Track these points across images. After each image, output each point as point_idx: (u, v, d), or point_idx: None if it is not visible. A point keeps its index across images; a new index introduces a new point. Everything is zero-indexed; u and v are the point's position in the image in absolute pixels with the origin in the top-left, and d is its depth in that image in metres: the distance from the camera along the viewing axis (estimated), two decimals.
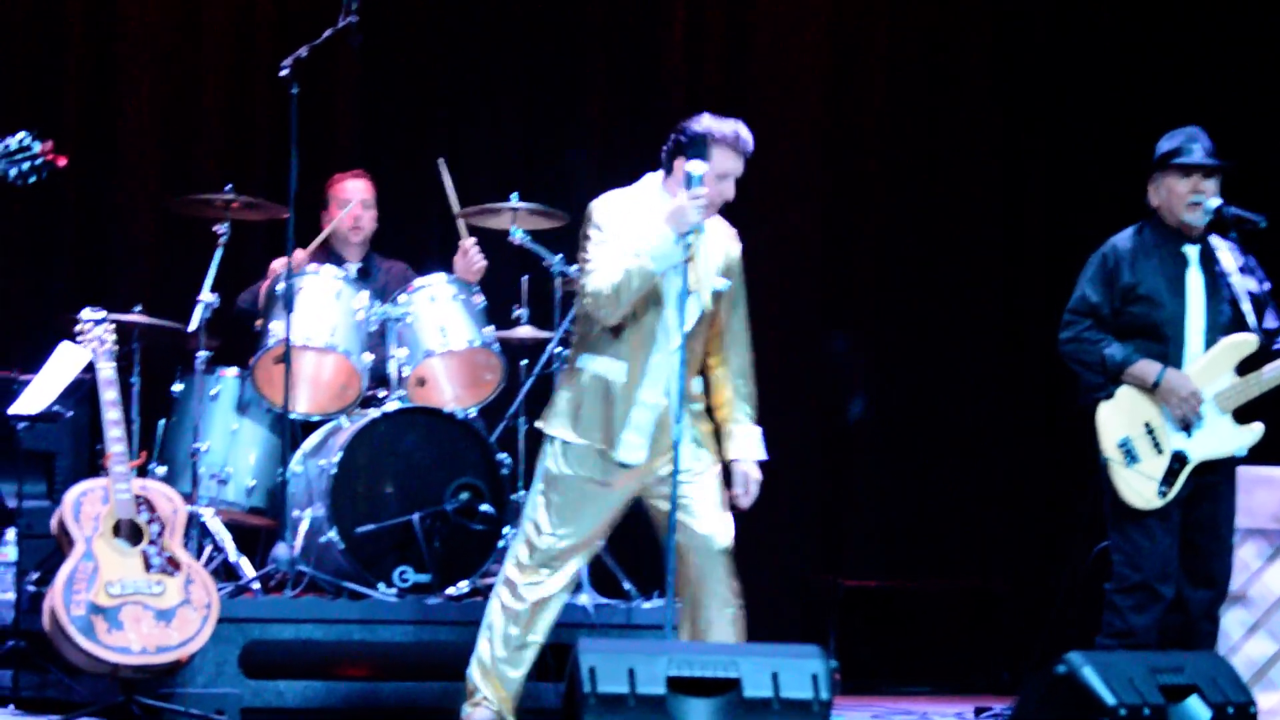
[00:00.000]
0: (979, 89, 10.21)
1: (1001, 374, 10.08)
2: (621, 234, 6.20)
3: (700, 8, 9.96)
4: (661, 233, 6.12)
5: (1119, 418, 6.67)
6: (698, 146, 6.24)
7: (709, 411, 6.41)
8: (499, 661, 6.32)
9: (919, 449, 10.01)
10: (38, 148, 6.29)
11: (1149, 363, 6.65)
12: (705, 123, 6.27)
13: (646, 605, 7.40)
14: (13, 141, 6.29)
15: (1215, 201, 6.70)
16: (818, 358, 9.93)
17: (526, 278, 8.11)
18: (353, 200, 8.23)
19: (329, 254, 8.21)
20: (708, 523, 6.26)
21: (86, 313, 6.98)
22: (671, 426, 6.10)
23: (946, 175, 10.18)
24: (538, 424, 6.37)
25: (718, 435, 6.40)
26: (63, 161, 6.35)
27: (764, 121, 9.87)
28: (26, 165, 6.27)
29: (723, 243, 6.41)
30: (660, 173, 6.36)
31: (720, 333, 6.38)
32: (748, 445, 6.37)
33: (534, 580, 6.29)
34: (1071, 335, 6.78)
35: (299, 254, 7.90)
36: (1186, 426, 6.61)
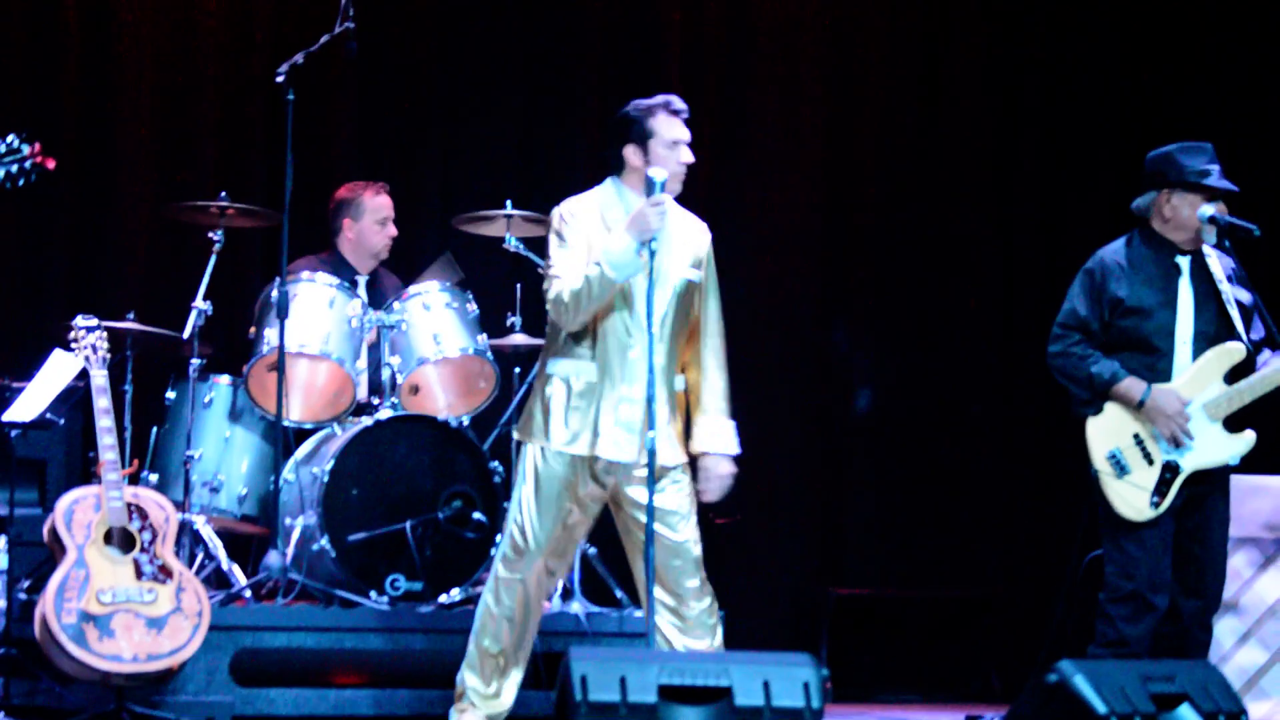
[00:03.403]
0: (977, 85, 10.22)
1: (996, 384, 10.08)
2: (583, 239, 6.21)
3: (698, 8, 9.97)
4: (623, 240, 6.12)
5: (1107, 431, 6.67)
6: (635, 127, 6.26)
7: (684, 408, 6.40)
8: (489, 664, 6.32)
9: (912, 458, 10.01)
10: (27, 150, 6.26)
11: (1135, 381, 6.64)
12: (636, 104, 6.31)
13: (638, 613, 7.40)
14: (1, 144, 6.27)
15: (1209, 209, 6.69)
16: (814, 363, 9.93)
17: (520, 285, 8.11)
18: (389, 216, 8.26)
19: (339, 263, 8.21)
20: (680, 531, 6.26)
21: (79, 320, 6.97)
22: (654, 426, 6.09)
23: (947, 176, 10.17)
24: (515, 434, 6.37)
25: (688, 431, 6.39)
26: (52, 164, 6.32)
27: (763, 120, 9.96)
28: (15, 168, 6.24)
29: (692, 235, 6.40)
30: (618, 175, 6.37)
31: (695, 327, 6.38)
32: (717, 438, 6.35)
33: (521, 582, 6.31)
34: (1060, 350, 6.77)
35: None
36: (1176, 445, 6.61)
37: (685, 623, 6.27)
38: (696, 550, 6.28)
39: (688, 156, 6.27)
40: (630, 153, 6.28)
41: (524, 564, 6.29)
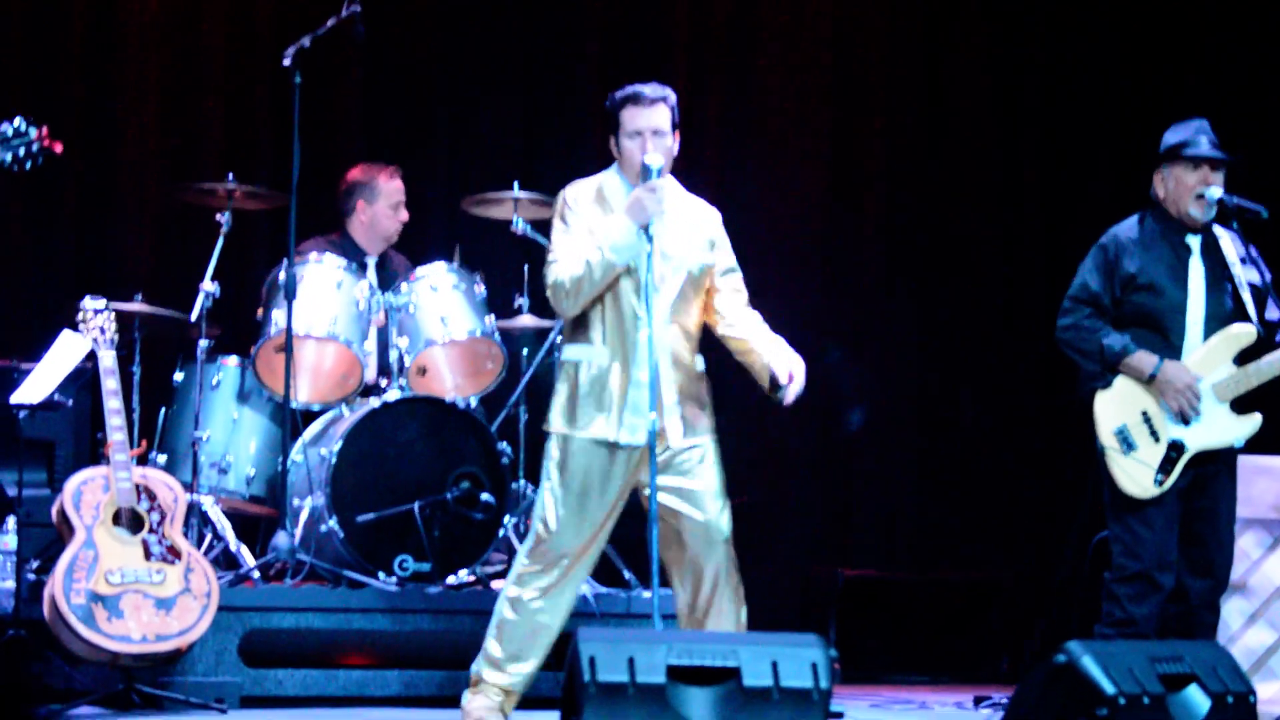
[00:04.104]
0: (978, 86, 10.22)
1: (1001, 365, 10.08)
2: (585, 224, 6.19)
3: (704, 3, 9.97)
4: (622, 224, 6.10)
5: (1116, 406, 6.67)
6: (611, 119, 6.24)
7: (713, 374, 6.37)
8: (507, 657, 6.25)
9: (919, 439, 10.01)
10: (34, 133, 6.27)
11: (1146, 354, 6.64)
12: (611, 95, 6.26)
13: (646, 594, 7.40)
14: (8, 127, 6.26)
15: (1217, 192, 6.69)
16: (819, 349, 9.93)
17: (528, 267, 8.11)
18: (402, 200, 8.26)
19: (348, 245, 8.20)
20: (709, 512, 6.23)
21: (88, 301, 6.98)
22: (662, 408, 6.07)
23: (947, 174, 10.18)
24: (544, 427, 6.32)
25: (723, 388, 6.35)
26: (59, 147, 6.32)
27: (767, 120, 9.96)
28: (22, 150, 6.25)
29: (700, 220, 6.35)
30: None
31: (712, 303, 6.34)
32: (779, 350, 6.24)
33: (544, 578, 6.21)
34: (1070, 322, 6.77)
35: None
36: (1185, 420, 6.61)
37: (715, 604, 6.20)
38: (727, 528, 6.22)
39: (652, 147, 6.15)
40: (611, 143, 6.29)
41: (549, 559, 6.19)
